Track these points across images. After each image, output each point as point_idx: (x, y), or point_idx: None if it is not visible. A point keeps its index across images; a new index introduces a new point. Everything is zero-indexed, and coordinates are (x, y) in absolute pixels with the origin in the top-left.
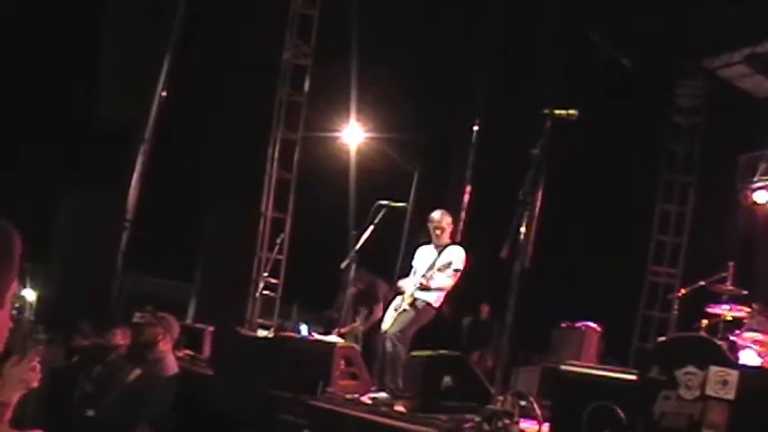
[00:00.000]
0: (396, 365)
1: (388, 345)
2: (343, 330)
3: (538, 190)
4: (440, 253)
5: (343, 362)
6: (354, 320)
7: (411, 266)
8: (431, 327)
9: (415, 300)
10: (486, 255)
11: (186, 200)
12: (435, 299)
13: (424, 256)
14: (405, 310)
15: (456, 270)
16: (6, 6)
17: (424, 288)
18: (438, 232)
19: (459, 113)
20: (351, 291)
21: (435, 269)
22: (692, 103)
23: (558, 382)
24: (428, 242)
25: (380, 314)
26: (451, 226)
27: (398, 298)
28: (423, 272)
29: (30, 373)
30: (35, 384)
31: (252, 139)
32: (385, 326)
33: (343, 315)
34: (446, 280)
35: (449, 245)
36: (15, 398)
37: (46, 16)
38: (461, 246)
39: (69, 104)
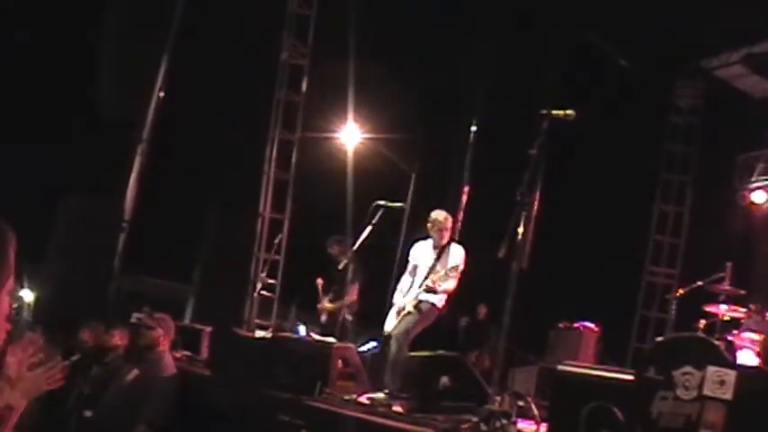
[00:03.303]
0: (397, 366)
1: (393, 346)
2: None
3: (535, 190)
4: (439, 253)
5: (340, 362)
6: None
7: (407, 262)
8: (428, 327)
9: (420, 302)
10: (484, 255)
11: (184, 201)
12: (439, 300)
13: (423, 253)
14: (409, 313)
15: (459, 271)
16: (4, 4)
17: (430, 290)
18: (443, 233)
19: (456, 114)
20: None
21: (443, 273)
22: (690, 103)
23: (555, 383)
24: (424, 237)
25: (354, 297)
26: (451, 225)
27: (400, 299)
28: (425, 272)
29: (45, 378)
30: (50, 386)
31: (249, 140)
32: (388, 327)
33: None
34: (452, 282)
35: (448, 244)
36: (24, 403)
37: (44, 17)
38: (459, 243)
39: (67, 105)
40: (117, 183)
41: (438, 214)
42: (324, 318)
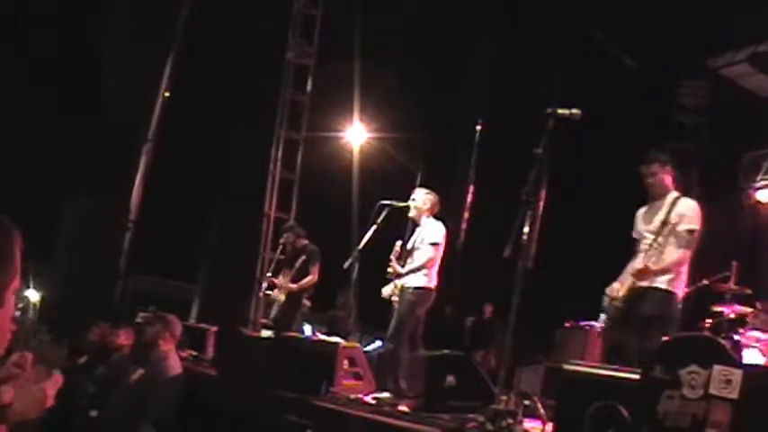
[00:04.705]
0: (394, 364)
1: (388, 346)
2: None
3: (541, 189)
4: (414, 230)
5: (346, 362)
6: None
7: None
8: (434, 326)
9: (403, 289)
10: (490, 254)
11: (189, 200)
12: (423, 280)
13: (411, 238)
14: (397, 302)
15: (432, 243)
16: (7, 5)
17: (400, 275)
18: (420, 217)
19: (461, 113)
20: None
21: (412, 250)
22: (696, 102)
23: (561, 382)
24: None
25: (315, 279)
26: (428, 203)
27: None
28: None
29: (45, 394)
30: (48, 405)
31: (255, 140)
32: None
33: (347, 311)
34: (424, 256)
35: (426, 221)
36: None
37: (49, 16)
38: (439, 219)
39: (73, 105)
40: (123, 182)
41: (412, 210)
42: (281, 298)
